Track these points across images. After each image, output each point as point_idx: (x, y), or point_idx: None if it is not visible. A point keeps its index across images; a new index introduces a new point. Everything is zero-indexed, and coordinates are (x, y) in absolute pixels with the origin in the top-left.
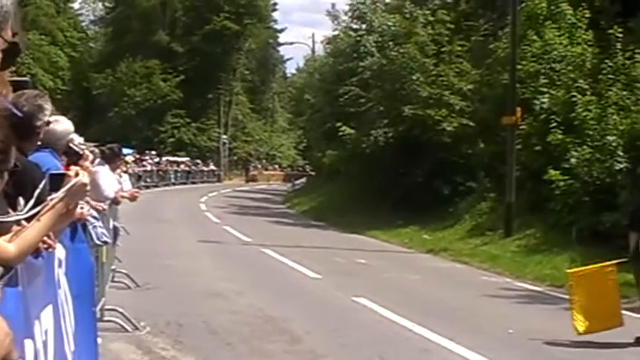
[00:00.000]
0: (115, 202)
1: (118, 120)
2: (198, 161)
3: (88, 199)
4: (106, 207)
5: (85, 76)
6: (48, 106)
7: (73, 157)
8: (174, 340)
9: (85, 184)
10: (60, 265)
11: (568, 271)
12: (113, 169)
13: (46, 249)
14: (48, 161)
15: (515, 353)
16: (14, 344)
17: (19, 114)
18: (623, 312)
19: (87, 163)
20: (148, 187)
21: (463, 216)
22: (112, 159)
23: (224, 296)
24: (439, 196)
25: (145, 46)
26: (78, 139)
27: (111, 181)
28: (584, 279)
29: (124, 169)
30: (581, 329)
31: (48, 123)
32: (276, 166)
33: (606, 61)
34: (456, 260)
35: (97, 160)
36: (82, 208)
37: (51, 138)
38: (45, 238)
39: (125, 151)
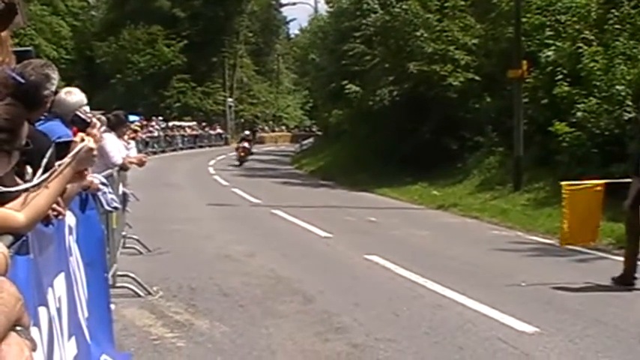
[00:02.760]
0: (123, 168)
1: (122, 87)
2: (204, 124)
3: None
4: (115, 173)
5: (88, 45)
6: (55, 75)
7: (80, 125)
8: (187, 303)
9: (91, 149)
10: (70, 233)
11: (563, 183)
12: (120, 136)
13: (56, 216)
14: (59, 130)
15: (528, 306)
16: (26, 309)
17: (22, 81)
18: None
19: (94, 130)
20: (155, 153)
21: (472, 171)
22: (118, 125)
23: (235, 258)
24: (447, 152)
25: (146, 13)
26: (85, 108)
27: (118, 147)
28: (576, 194)
29: (133, 136)
30: (564, 242)
31: (56, 92)
32: (283, 128)
33: (612, 10)
34: (466, 215)
35: (104, 128)
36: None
37: (63, 110)
38: (54, 205)
39: (132, 118)
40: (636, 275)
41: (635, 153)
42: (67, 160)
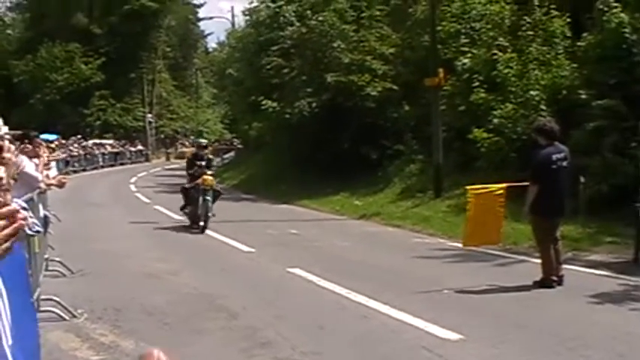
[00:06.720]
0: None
1: (41, 106)
2: (125, 141)
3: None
4: (35, 196)
5: (5, 64)
6: None
7: None
8: (112, 324)
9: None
10: None
11: (468, 187)
12: (31, 157)
13: None
14: None
15: (451, 313)
16: None
17: None
18: (568, 266)
19: (8, 155)
20: (76, 172)
21: (393, 179)
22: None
23: (159, 277)
24: (368, 161)
25: (64, 30)
26: (4, 129)
27: (35, 168)
28: (480, 197)
29: (47, 155)
30: (466, 243)
31: None
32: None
33: (525, 17)
34: (388, 224)
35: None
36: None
37: None
38: None
39: (50, 137)
40: (554, 277)
41: (531, 160)
42: None
